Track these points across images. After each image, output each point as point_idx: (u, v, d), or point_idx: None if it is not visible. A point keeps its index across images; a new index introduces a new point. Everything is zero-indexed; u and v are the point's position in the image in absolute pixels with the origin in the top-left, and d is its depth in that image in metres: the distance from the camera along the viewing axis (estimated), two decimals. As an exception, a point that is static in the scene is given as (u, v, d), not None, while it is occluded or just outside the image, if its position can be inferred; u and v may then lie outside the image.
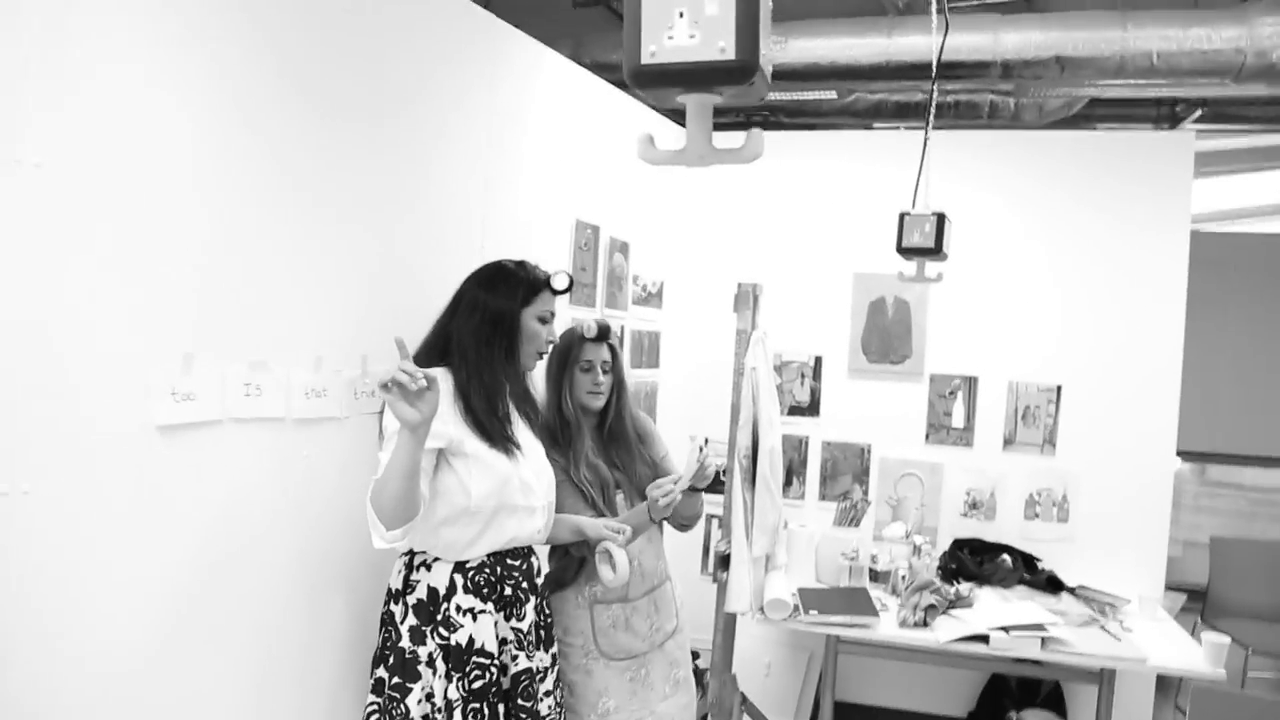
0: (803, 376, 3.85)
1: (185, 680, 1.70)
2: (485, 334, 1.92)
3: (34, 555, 1.44)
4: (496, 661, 1.89)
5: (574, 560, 2.29)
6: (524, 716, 1.92)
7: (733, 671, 3.24)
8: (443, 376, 1.82)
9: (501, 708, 1.89)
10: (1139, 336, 3.55)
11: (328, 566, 2.03)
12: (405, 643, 1.86)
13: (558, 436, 2.30)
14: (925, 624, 2.98)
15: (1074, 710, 3.59)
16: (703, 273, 3.94)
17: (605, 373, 2.34)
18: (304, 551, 1.96)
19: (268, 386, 1.86)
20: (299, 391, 1.93)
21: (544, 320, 2.01)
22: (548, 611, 2.09)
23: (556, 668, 2.10)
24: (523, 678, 1.93)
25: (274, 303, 1.86)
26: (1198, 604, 4.38)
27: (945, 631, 2.91)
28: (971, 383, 3.71)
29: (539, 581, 2.06)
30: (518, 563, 1.98)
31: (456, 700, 1.83)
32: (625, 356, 3.45)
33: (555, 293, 2.01)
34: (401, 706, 1.82)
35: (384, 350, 2.13)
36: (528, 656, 1.95)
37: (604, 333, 2.33)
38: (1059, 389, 3.63)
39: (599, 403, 2.35)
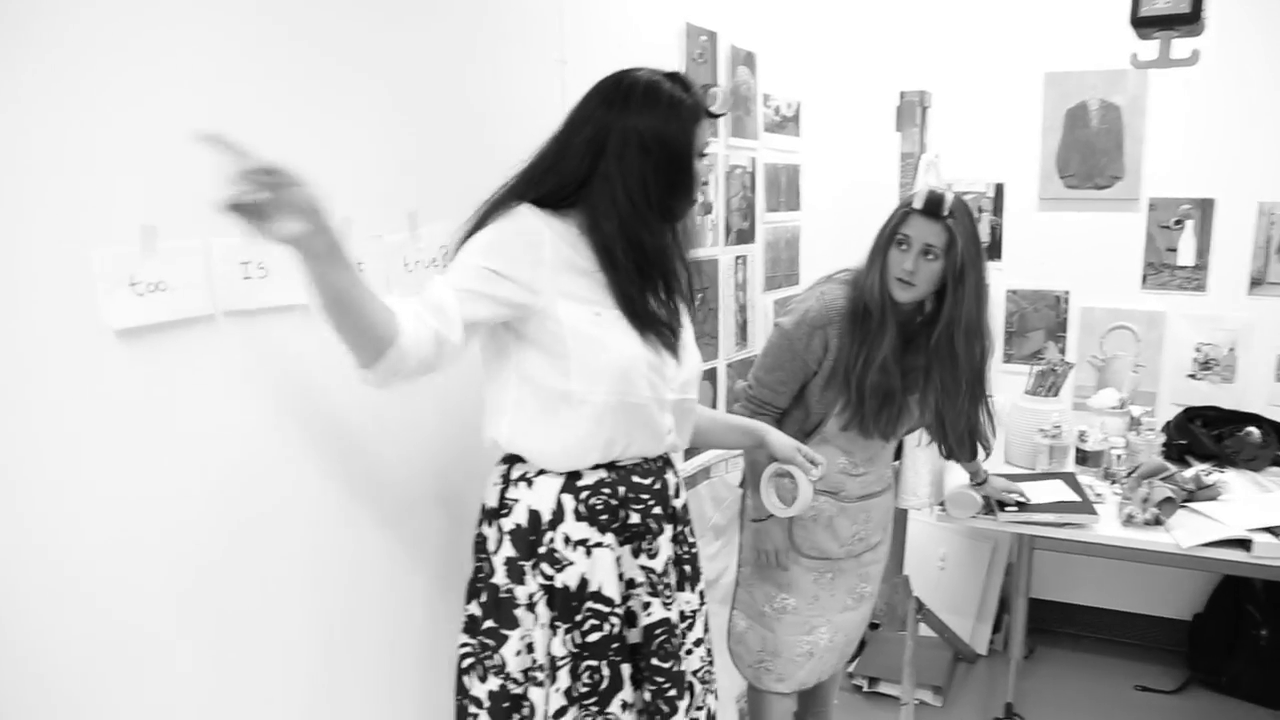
0: (980, 210, 3.09)
1: (208, 651, 1.28)
2: (663, 180, 1.37)
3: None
4: (619, 609, 1.43)
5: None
6: (662, 680, 1.48)
7: (905, 574, 2.72)
8: (531, 213, 1.35)
9: (627, 668, 1.45)
10: None
11: (395, 484, 1.57)
12: (500, 578, 1.43)
13: (857, 323, 1.90)
14: (1159, 522, 2.33)
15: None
16: (849, 87, 3.18)
17: (930, 259, 1.83)
18: (355, 473, 1.50)
19: (276, 264, 1.34)
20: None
21: (702, 155, 1.45)
22: (691, 540, 1.60)
23: (705, 608, 1.63)
24: (658, 631, 1.47)
25: (273, 146, 1.31)
26: None
27: (1187, 533, 2.26)
28: (1206, 207, 2.88)
29: (676, 504, 1.56)
30: (649, 481, 1.48)
31: (564, 657, 1.40)
32: (760, 196, 2.81)
33: (714, 117, 1.48)
34: (497, 656, 1.41)
35: (436, 204, 1.59)
36: (665, 604, 1.48)
37: (934, 206, 1.82)
38: (1330, 209, 2.77)
39: (906, 295, 1.87)
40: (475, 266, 1.31)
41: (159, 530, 1.21)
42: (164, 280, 1.21)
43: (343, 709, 1.50)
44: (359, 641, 1.53)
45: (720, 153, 2.55)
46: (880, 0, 3.15)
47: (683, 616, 1.54)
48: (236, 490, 1.31)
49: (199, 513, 1.26)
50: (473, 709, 1.43)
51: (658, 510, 1.49)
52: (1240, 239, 2.86)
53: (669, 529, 1.52)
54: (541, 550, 1.41)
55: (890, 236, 1.88)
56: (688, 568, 1.57)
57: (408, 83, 1.53)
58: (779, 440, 1.72)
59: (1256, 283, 2.87)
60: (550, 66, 1.86)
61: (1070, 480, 2.55)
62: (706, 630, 1.63)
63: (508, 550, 1.42)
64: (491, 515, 1.46)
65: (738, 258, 2.74)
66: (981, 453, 2.20)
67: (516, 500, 1.43)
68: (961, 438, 2.04)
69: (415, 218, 1.56)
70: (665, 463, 1.54)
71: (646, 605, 1.47)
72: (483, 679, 1.42)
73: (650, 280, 1.41)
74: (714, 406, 2.66)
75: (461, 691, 1.49)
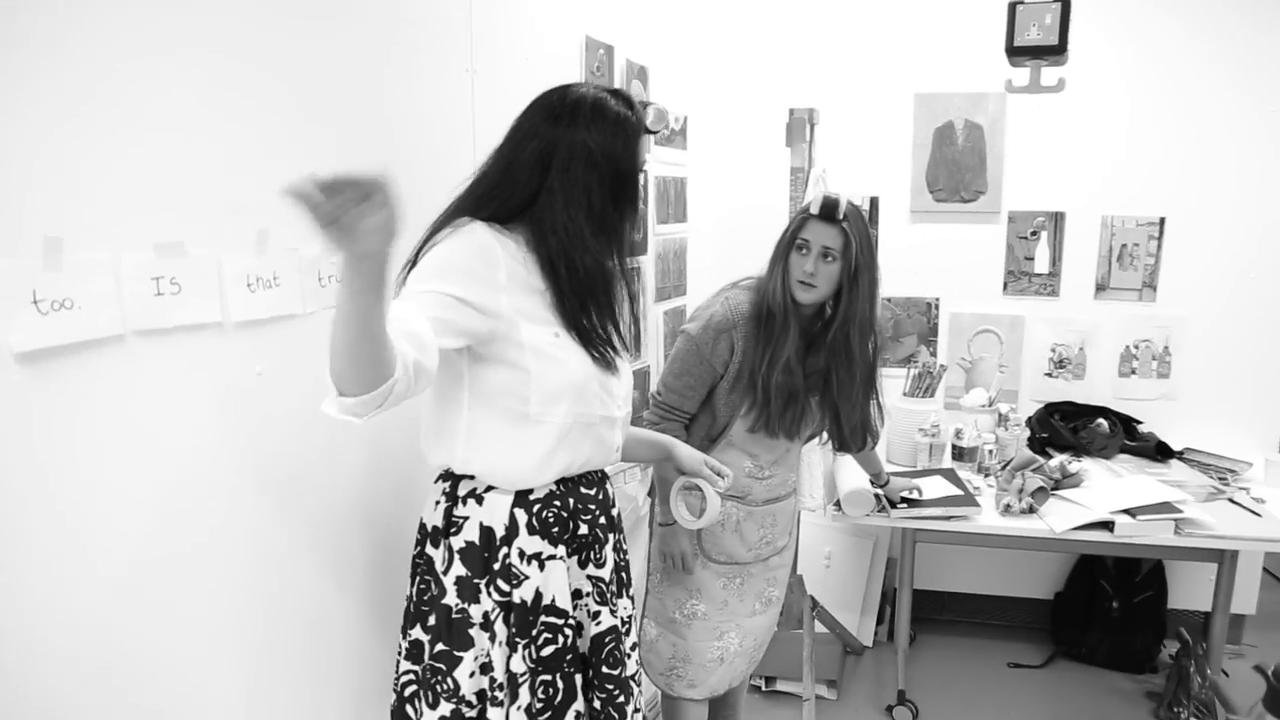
0: (857, 223, 3.25)
1: (141, 683, 1.18)
2: (608, 194, 1.37)
3: None
4: (571, 620, 1.43)
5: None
6: (612, 688, 1.49)
7: (799, 574, 2.81)
8: (485, 231, 1.34)
9: (580, 679, 1.45)
10: (1258, 156, 2.97)
11: (320, 508, 1.50)
12: (451, 599, 1.39)
13: (761, 325, 1.96)
14: (1033, 510, 2.51)
15: (1177, 586, 3.20)
16: (736, 103, 3.27)
17: (829, 261, 1.92)
18: (276, 497, 1.42)
19: (189, 279, 1.26)
20: (238, 282, 1.34)
21: (642, 171, 1.48)
22: (625, 549, 1.61)
23: (635, 612, 1.66)
24: (608, 638, 1.48)
25: (186, 157, 1.24)
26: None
27: (1059, 519, 2.45)
28: (1058, 219, 3.13)
29: (615, 513, 1.57)
30: (593, 491, 1.49)
31: (523, 673, 1.38)
32: (650, 209, 2.85)
33: (650, 134, 1.51)
34: (449, 680, 1.37)
35: (354, 216, 1.53)
36: (611, 612, 1.49)
37: (830, 210, 1.91)
38: (1162, 222, 3.06)
39: (807, 296, 1.95)
40: (439, 294, 1.26)
41: (68, 574, 1.11)
42: (70, 297, 1.12)
43: (266, 748, 1.42)
44: (286, 675, 1.45)
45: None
46: (765, 22, 3.25)
47: (624, 623, 1.55)
48: (154, 523, 1.22)
49: (112, 547, 1.17)
50: None
51: (603, 520, 1.50)
52: (1087, 248, 3.12)
53: (611, 537, 1.53)
54: (496, 566, 1.38)
55: (790, 241, 1.96)
56: (624, 574, 1.58)
57: (322, 92, 1.47)
58: (686, 453, 1.75)
59: (1101, 288, 3.14)
60: (460, 76, 1.83)
61: (951, 475, 2.72)
62: (637, 632, 1.66)
63: (459, 569, 1.39)
64: (437, 535, 1.42)
65: (631, 269, 2.77)
66: (881, 454, 2.31)
67: (466, 518, 1.40)
68: (855, 429, 2.12)
69: (331, 230, 1.50)
70: (603, 473, 1.55)
71: (595, 614, 1.47)
72: (433, 705, 1.37)
73: (593, 296, 1.41)
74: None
75: None
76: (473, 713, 1.37)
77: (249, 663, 1.38)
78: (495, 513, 1.39)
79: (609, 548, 1.51)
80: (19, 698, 1.05)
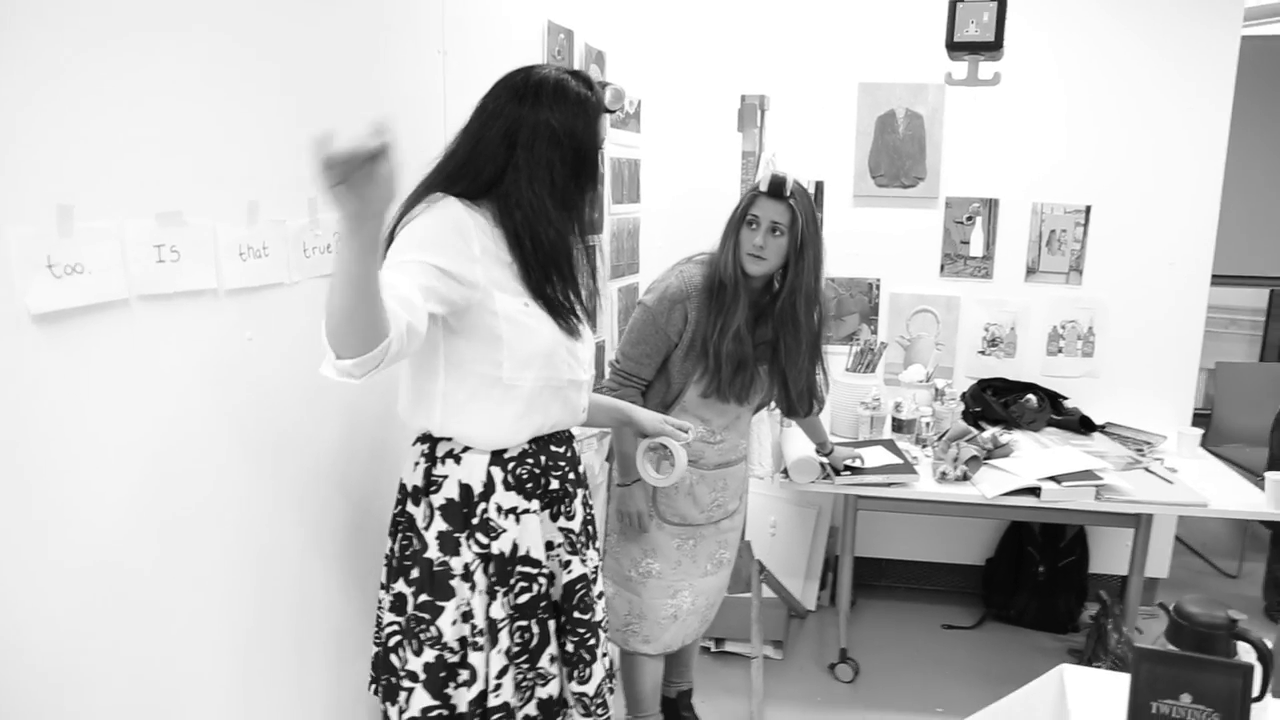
0: (804, 207, 3.39)
1: (122, 647, 1.25)
2: (569, 171, 1.46)
3: None
4: (545, 570, 1.54)
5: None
6: (584, 631, 1.60)
7: (747, 539, 2.95)
8: (458, 205, 1.42)
9: (553, 624, 1.56)
10: (1178, 150, 3.19)
11: (296, 469, 1.57)
12: (433, 553, 1.48)
13: (713, 296, 2.08)
14: (966, 477, 2.69)
15: (1097, 552, 3.43)
16: (685, 89, 3.38)
17: (777, 235, 2.04)
18: (262, 455, 1.49)
19: (187, 247, 1.33)
20: (231, 251, 1.41)
21: (600, 149, 1.56)
22: (591, 504, 1.72)
23: (603, 563, 1.81)
24: (578, 586, 1.60)
25: (183, 131, 1.30)
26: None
27: (990, 485, 2.63)
28: (992, 206, 3.31)
29: (582, 470, 1.68)
30: (562, 449, 1.59)
31: (502, 619, 1.48)
32: (606, 189, 2.94)
33: (609, 113, 1.59)
34: (432, 629, 1.46)
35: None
36: (581, 561, 1.61)
37: (778, 188, 2.03)
38: (1088, 210, 3.27)
39: (757, 269, 2.08)
40: (423, 264, 1.34)
41: (75, 521, 1.18)
42: (81, 263, 1.18)
43: (255, 698, 1.50)
44: (274, 627, 1.53)
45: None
46: (717, 10, 3.36)
47: (593, 571, 1.66)
48: (152, 476, 1.29)
49: (111, 501, 1.24)
50: (407, 683, 1.47)
51: (571, 476, 1.61)
52: (1018, 234, 3.31)
53: (580, 492, 1.64)
54: (475, 521, 1.48)
55: (741, 217, 2.09)
56: (591, 527, 1.69)
57: (307, 70, 1.54)
58: (645, 416, 1.85)
59: (1031, 271, 3.34)
60: (432, 57, 1.91)
61: (890, 446, 2.88)
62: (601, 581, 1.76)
63: (440, 525, 1.48)
64: (418, 493, 1.51)
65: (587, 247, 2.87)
66: (826, 425, 2.45)
67: (445, 476, 1.49)
68: (801, 394, 2.23)
69: (315, 204, 1.57)
70: (570, 433, 1.65)
71: (567, 563, 1.58)
72: (417, 652, 1.46)
73: (556, 267, 1.49)
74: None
75: (388, 670, 1.53)
76: (455, 658, 1.46)
77: (240, 616, 1.46)
78: (473, 471, 1.48)
79: (578, 501, 1.62)
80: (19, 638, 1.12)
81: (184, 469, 1.34)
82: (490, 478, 1.49)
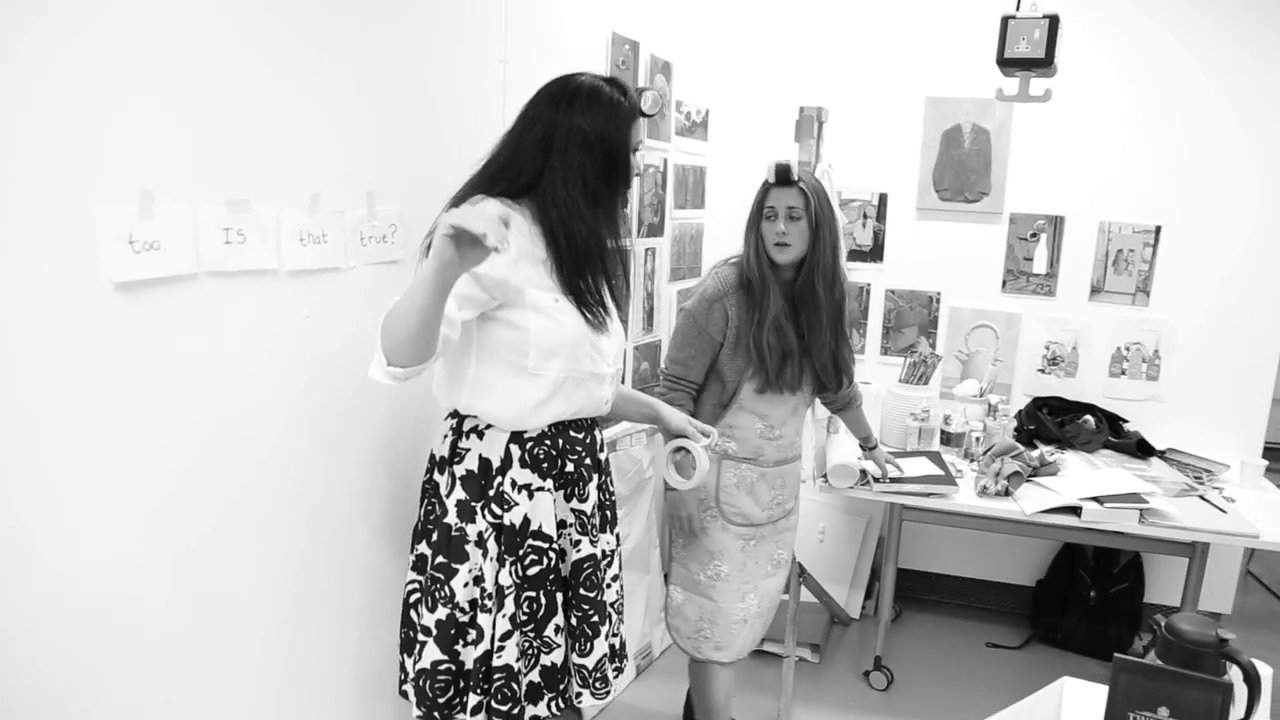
0: (865, 217, 3.43)
1: (183, 587, 1.41)
2: (601, 172, 1.56)
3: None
4: (555, 546, 1.64)
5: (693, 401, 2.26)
6: (588, 608, 1.68)
7: (789, 541, 3.00)
8: (495, 206, 1.48)
9: (560, 596, 1.66)
10: (1256, 169, 3.09)
11: (345, 439, 1.72)
12: (451, 519, 1.60)
13: (748, 292, 2.16)
14: (1008, 493, 2.69)
15: (1154, 581, 3.36)
16: (753, 99, 3.46)
17: (795, 219, 2.10)
18: (315, 423, 1.65)
19: (252, 232, 1.49)
20: (292, 237, 1.56)
21: (636, 152, 1.66)
22: (611, 490, 1.81)
23: (620, 550, 1.86)
24: (585, 565, 1.68)
25: (255, 127, 1.47)
26: None
27: (1030, 502, 2.63)
28: (1057, 223, 3.28)
29: (603, 457, 1.78)
30: (581, 435, 1.68)
31: (509, 587, 1.58)
32: (669, 194, 3.04)
33: (645, 116, 1.75)
34: (446, 588, 1.58)
35: (392, 186, 1.76)
36: (591, 542, 1.69)
37: (784, 174, 2.11)
38: (1158, 230, 3.20)
39: (784, 256, 2.13)
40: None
41: (143, 471, 1.35)
42: (157, 240, 1.35)
43: (299, 645, 1.66)
44: (319, 583, 1.69)
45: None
46: (785, 22, 3.43)
47: (604, 554, 1.74)
48: (220, 438, 1.46)
49: (180, 455, 1.40)
50: (421, 637, 1.60)
51: (588, 461, 1.69)
52: (1084, 252, 3.27)
53: (596, 477, 1.72)
54: (491, 493, 1.59)
55: (758, 212, 2.15)
56: (608, 512, 1.78)
57: (371, 73, 1.70)
58: (671, 415, 1.88)
59: (1096, 290, 3.29)
60: (494, 66, 2.04)
61: (935, 457, 2.90)
62: (620, 568, 1.85)
63: (459, 494, 1.60)
64: (444, 463, 1.63)
65: (647, 249, 2.97)
66: (874, 428, 2.48)
67: (468, 450, 1.61)
68: (826, 367, 2.23)
69: (374, 197, 1.72)
70: (595, 423, 1.74)
71: (576, 542, 1.67)
72: (431, 609, 1.59)
73: (588, 263, 1.58)
74: (622, 381, 2.88)
75: (408, 624, 1.67)
76: (465, 618, 1.59)
77: (289, 569, 1.62)
78: (493, 446, 1.60)
79: (592, 485, 1.70)
80: (82, 589, 1.29)
81: (243, 429, 1.50)
82: (508, 454, 1.59)
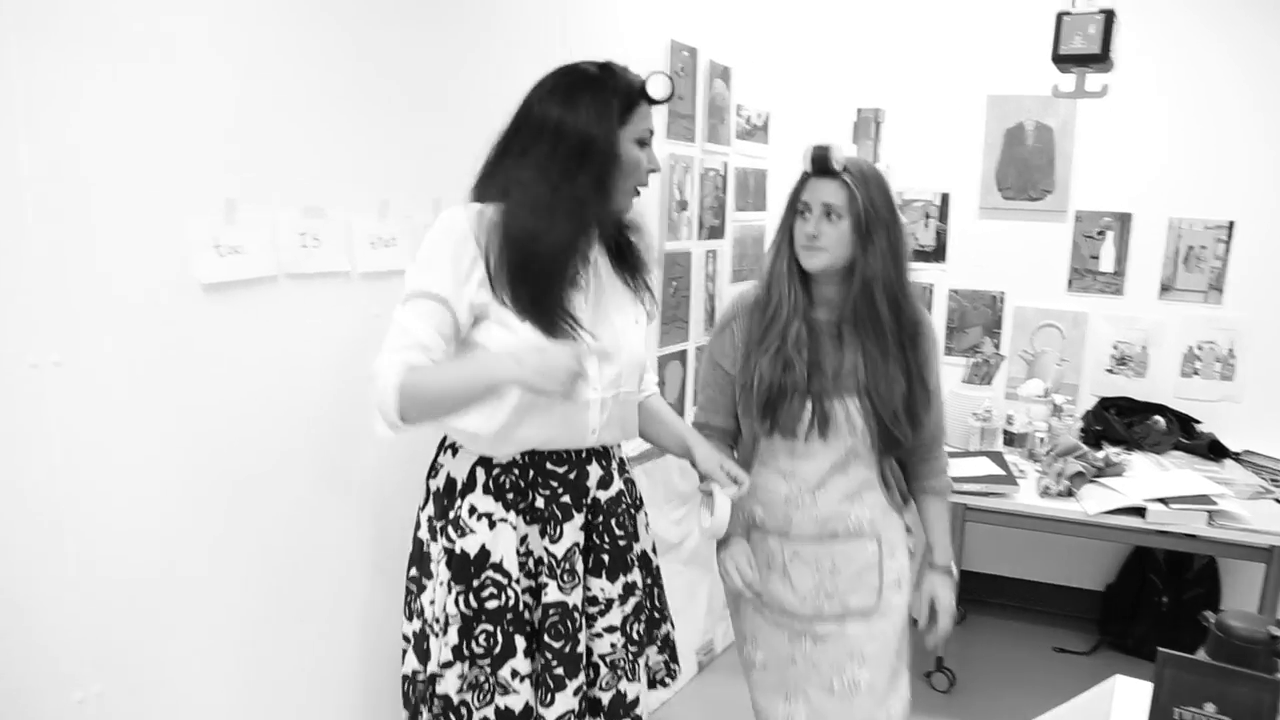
0: (927, 216, 3.42)
1: (234, 565, 1.53)
2: (562, 167, 1.38)
3: (69, 432, 1.23)
4: (516, 582, 1.46)
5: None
6: (550, 658, 1.47)
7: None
8: (462, 217, 1.41)
9: (521, 640, 1.46)
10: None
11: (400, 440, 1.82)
12: (423, 533, 1.53)
13: (762, 309, 1.71)
14: (1070, 494, 2.66)
15: (1230, 587, 3.26)
16: (813, 101, 3.48)
17: (833, 219, 1.63)
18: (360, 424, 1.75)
19: (327, 236, 1.60)
20: (363, 241, 1.67)
21: (643, 143, 1.46)
22: (619, 532, 1.57)
23: (634, 599, 1.60)
24: (551, 611, 1.47)
25: (327, 137, 1.57)
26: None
27: (1093, 502, 2.60)
28: (1124, 220, 3.23)
29: (600, 495, 1.54)
30: (562, 469, 1.49)
31: (455, 616, 1.44)
32: (730, 197, 3.09)
33: (653, 103, 1.46)
34: (418, 602, 1.52)
35: (455, 192, 1.85)
36: (560, 588, 1.48)
37: (821, 162, 1.63)
38: (1231, 226, 3.13)
39: (815, 261, 1.64)
40: (429, 299, 1.38)
41: (224, 458, 1.47)
42: (241, 245, 1.46)
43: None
44: (383, 573, 1.79)
45: (696, 156, 2.83)
46: (842, 23, 3.45)
47: (593, 601, 1.54)
48: (301, 427, 1.57)
49: (267, 441, 1.52)
50: (404, 645, 1.54)
51: (566, 498, 1.49)
52: (1153, 250, 3.21)
53: (578, 517, 1.50)
54: (450, 515, 1.47)
55: (792, 207, 1.70)
56: (606, 557, 1.55)
57: (436, 85, 1.79)
58: (703, 452, 1.63)
59: (1166, 288, 3.22)
60: (553, 75, 2.13)
61: (996, 458, 2.88)
62: (631, 620, 1.59)
63: (429, 509, 1.52)
64: (427, 475, 1.57)
65: (708, 251, 3.02)
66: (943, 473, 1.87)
67: (442, 465, 1.52)
68: (895, 415, 1.67)
69: (439, 203, 1.82)
70: (591, 455, 1.52)
71: (545, 586, 1.48)
72: (409, 619, 1.53)
73: (547, 271, 1.39)
74: (682, 386, 2.93)
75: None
76: (430, 635, 1.47)
77: (365, 548, 1.72)
78: (460, 466, 1.48)
79: (571, 526, 1.49)
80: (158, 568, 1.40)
81: (320, 419, 1.60)
82: (473, 476, 1.46)
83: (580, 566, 1.51)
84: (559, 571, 1.49)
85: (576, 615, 1.50)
